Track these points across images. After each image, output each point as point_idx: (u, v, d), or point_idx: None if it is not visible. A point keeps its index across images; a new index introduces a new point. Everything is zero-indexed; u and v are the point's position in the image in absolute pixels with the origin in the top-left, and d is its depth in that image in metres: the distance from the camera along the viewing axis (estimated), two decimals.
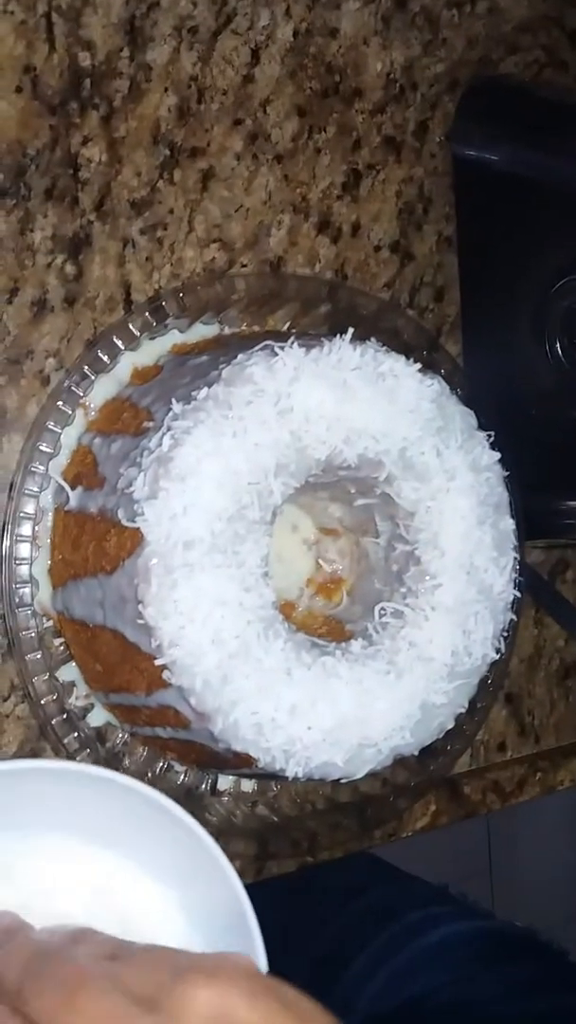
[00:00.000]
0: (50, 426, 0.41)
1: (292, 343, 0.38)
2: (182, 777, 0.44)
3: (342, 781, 0.39)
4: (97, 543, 0.38)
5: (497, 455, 0.42)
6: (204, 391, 0.37)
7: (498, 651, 0.41)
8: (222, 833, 0.43)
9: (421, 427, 0.40)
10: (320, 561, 0.47)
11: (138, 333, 0.41)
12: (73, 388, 0.41)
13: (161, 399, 0.39)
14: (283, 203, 0.49)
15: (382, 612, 0.41)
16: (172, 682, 0.37)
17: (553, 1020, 0.51)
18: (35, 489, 0.41)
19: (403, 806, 0.45)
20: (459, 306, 0.53)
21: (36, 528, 0.41)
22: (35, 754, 0.43)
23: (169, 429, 0.37)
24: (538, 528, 0.50)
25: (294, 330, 0.47)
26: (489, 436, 0.42)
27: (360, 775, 0.39)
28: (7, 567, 0.41)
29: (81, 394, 0.42)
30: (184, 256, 0.47)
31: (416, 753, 0.40)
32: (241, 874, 0.48)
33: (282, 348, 0.38)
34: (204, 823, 0.44)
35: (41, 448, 0.41)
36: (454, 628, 0.40)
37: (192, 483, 0.36)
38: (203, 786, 0.44)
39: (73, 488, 0.41)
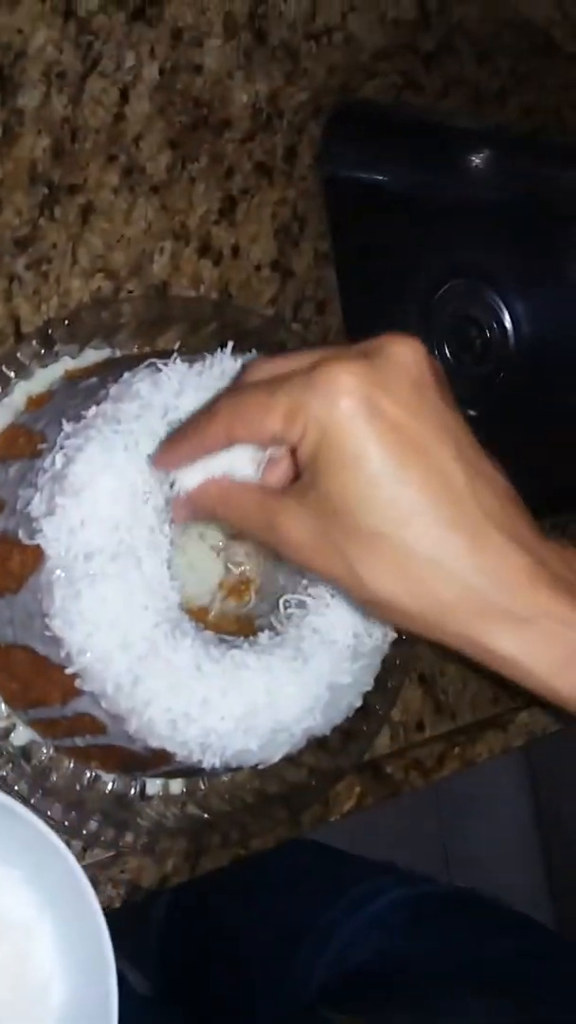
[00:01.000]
0: None
1: (175, 359, 0.41)
2: (110, 785, 0.45)
3: (259, 767, 0.41)
4: (1, 565, 0.40)
5: None
6: (93, 409, 0.39)
7: None
8: (154, 835, 0.45)
9: None
10: (229, 565, 0.49)
11: (28, 362, 0.43)
12: None
13: (53, 421, 0.40)
14: (163, 231, 0.52)
15: (287, 604, 0.43)
16: (84, 689, 0.38)
17: (491, 965, 0.54)
18: None
19: (325, 788, 0.47)
20: (341, 317, 0.56)
21: None
22: None
23: (62, 447, 0.39)
24: None
25: (183, 349, 0.49)
26: None
27: (276, 759, 0.41)
28: None
29: None
30: (71, 287, 0.49)
31: (328, 732, 0.42)
32: (175, 871, 0.49)
33: (166, 364, 0.40)
34: (136, 828, 0.45)
35: None
36: (354, 612, 0.42)
37: (87, 496, 0.38)
38: (132, 791, 0.45)
39: None
